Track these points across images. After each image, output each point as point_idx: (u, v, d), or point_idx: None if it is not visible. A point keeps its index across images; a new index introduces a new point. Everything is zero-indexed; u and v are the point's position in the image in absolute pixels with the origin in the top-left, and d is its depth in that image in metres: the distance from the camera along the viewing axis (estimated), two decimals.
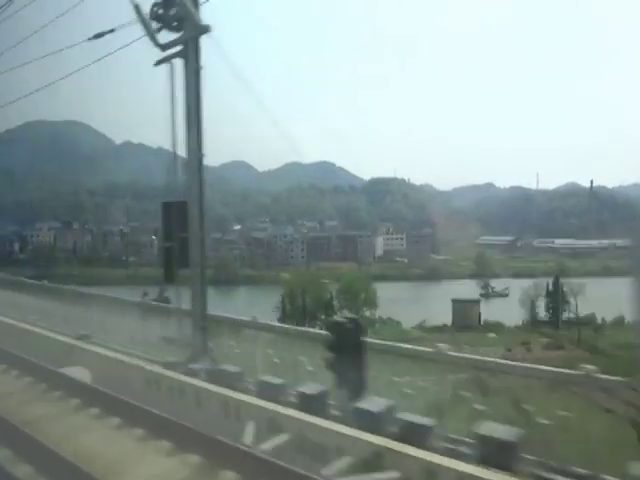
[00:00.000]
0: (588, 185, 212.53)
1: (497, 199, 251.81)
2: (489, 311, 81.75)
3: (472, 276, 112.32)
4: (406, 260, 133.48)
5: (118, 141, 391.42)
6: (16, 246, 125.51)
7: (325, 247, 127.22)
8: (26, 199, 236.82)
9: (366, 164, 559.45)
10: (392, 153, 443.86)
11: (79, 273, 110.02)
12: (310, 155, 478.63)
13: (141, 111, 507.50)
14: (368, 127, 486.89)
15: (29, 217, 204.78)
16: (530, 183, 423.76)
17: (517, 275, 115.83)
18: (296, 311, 70.80)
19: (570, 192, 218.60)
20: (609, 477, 5.27)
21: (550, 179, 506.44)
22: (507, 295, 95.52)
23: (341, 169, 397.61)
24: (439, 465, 5.23)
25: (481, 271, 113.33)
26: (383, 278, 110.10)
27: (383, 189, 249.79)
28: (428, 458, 5.36)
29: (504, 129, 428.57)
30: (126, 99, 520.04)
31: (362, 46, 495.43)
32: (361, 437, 6.03)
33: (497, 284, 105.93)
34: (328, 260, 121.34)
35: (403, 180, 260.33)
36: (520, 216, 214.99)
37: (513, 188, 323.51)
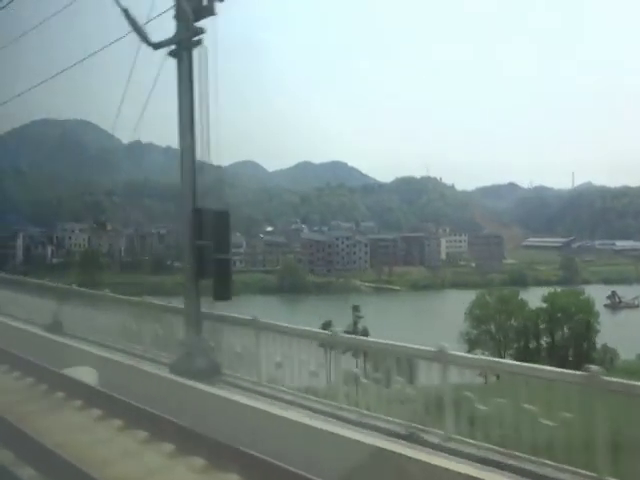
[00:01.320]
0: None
1: (538, 199, 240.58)
2: (624, 324, 69.45)
3: (561, 282, 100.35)
4: (473, 264, 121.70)
5: (126, 140, 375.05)
6: (49, 250, 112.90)
7: (391, 250, 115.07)
8: (41, 199, 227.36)
9: (375, 164, 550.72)
10: (404, 152, 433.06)
11: (122, 280, 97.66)
12: (322, 155, 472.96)
13: (150, 109, 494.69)
14: (379, 127, 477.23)
15: (47, 218, 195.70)
16: (554, 183, 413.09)
17: (607, 281, 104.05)
18: (487, 337, 56.37)
19: (621, 192, 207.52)
20: None
21: (566, 179, 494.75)
22: (638, 306, 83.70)
23: (353, 169, 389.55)
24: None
25: (570, 276, 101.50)
26: (464, 285, 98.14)
27: (417, 188, 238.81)
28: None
29: (524, 128, 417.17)
30: (133, 97, 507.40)
31: (374, 43, 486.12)
32: None
33: (596, 291, 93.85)
34: (393, 264, 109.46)
35: (436, 179, 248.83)
36: (570, 217, 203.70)
37: (537, 188, 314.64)
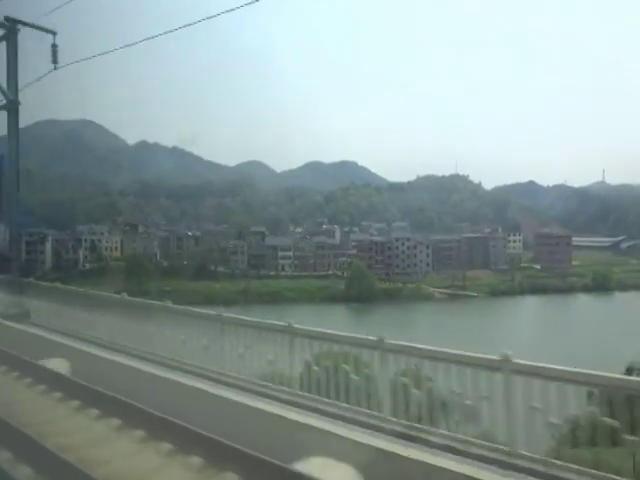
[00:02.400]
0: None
1: (572, 197, 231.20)
2: None
3: None
4: (538, 266, 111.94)
5: (130, 140, 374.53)
6: (80, 254, 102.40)
7: (454, 252, 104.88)
8: (54, 200, 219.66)
9: (386, 163, 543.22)
10: (421, 151, 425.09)
11: (169, 287, 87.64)
12: (331, 154, 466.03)
13: (155, 111, 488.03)
14: (390, 126, 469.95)
15: (63, 220, 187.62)
16: (574, 181, 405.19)
17: None
18: None
19: None
20: None
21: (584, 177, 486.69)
22: None
23: (363, 168, 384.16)
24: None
25: None
26: (542, 290, 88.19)
27: (446, 187, 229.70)
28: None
29: (544, 126, 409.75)
30: (137, 97, 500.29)
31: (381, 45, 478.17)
32: None
33: None
34: (457, 267, 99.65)
35: (465, 177, 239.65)
36: (611, 215, 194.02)
37: (557, 186, 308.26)
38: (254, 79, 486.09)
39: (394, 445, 5.67)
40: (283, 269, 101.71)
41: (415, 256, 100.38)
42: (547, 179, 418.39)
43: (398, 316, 75.72)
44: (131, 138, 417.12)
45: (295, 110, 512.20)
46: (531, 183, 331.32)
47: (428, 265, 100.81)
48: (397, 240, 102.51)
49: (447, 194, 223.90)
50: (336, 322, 75.69)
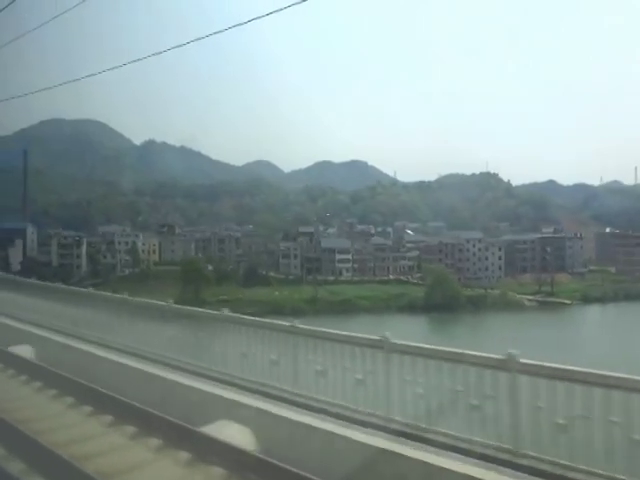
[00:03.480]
0: None
1: (609, 196, 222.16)
2: None
3: None
4: (613, 269, 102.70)
5: (136, 140, 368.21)
6: (118, 258, 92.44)
7: (529, 254, 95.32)
8: (69, 201, 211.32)
9: (395, 163, 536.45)
10: (434, 151, 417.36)
11: (225, 295, 78.18)
12: (341, 154, 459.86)
13: (163, 110, 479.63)
14: (401, 127, 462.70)
15: (81, 220, 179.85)
16: (593, 180, 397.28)
17: None
18: None
19: None
20: None
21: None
22: None
23: (373, 168, 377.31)
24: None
25: None
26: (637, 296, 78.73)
27: (479, 185, 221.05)
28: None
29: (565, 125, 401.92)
30: (141, 96, 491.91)
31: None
32: None
33: None
34: (532, 271, 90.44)
35: (495, 175, 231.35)
36: None
37: (577, 186, 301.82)
38: (260, 79, 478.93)
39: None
40: (340, 273, 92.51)
41: (486, 259, 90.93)
42: (567, 179, 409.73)
43: (494, 328, 66.36)
44: (136, 137, 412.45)
45: (303, 110, 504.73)
46: (551, 182, 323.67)
47: (500, 269, 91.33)
48: (468, 241, 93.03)
49: (478, 192, 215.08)
50: (425, 335, 66.42)
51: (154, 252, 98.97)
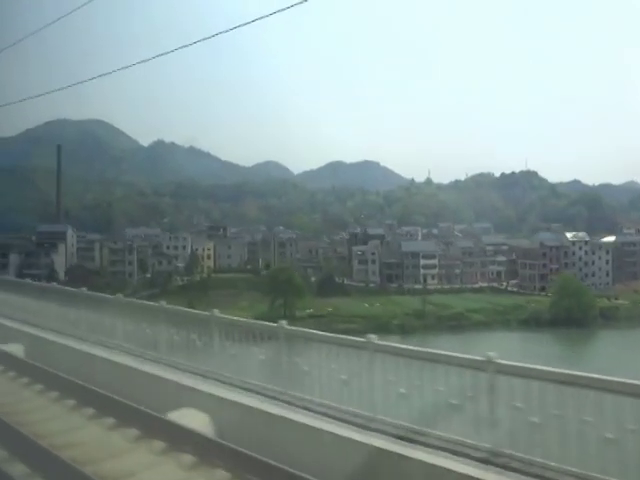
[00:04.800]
0: None
1: None
2: None
3: None
4: None
5: (142, 140, 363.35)
6: (174, 265, 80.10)
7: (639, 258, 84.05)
8: (89, 202, 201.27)
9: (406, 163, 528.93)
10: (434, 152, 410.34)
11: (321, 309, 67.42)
12: (353, 154, 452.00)
13: (171, 110, 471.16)
14: (411, 127, 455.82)
15: (103, 222, 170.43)
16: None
17: None
18: None
19: None
20: None
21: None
22: None
23: (385, 168, 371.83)
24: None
25: None
26: None
27: (522, 184, 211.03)
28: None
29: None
30: (148, 97, 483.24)
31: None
32: None
33: None
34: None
35: (535, 173, 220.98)
36: None
37: (602, 185, 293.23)
38: (268, 79, 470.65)
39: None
40: (425, 280, 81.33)
41: (593, 263, 79.68)
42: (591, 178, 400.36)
43: None
44: (141, 137, 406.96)
45: (312, 111, 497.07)
46: (576, 182, 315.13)
47: (608, 274, 79.91)
48: (574, 244, 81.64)
49: (519, 192, 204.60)
50: (556, 355, 55.27)
51: (209, 257, 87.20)
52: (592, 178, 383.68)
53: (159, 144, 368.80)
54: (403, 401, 5.97)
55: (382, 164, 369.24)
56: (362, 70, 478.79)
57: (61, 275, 71.61)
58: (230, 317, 8.35)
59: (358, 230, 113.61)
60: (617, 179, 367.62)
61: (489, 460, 5.04)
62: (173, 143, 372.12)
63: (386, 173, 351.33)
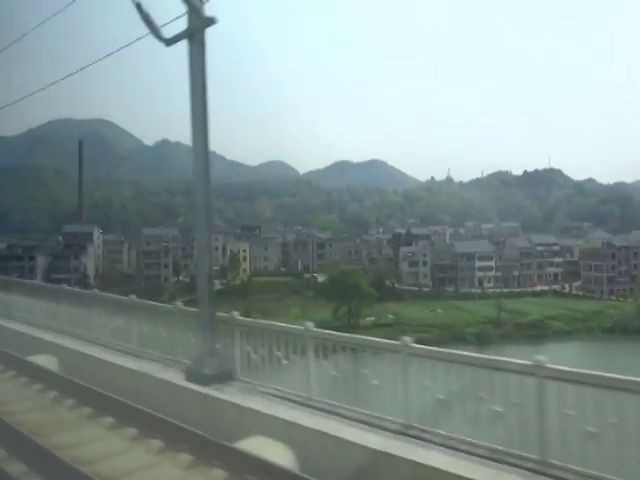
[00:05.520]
0: None
1: None
2: None
3: None
4: None
5: (146, 140, 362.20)
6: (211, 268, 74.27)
7: None
8: (100, 201, 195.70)
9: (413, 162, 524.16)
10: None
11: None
12: (359, 154, 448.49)
13: (176, 108, 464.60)
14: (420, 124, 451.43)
15: (115, 221, 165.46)
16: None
17: None
18: None
19: None
20: None
21: None
22: None
23: (392, 168, 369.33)
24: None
25: None
26: None
27: (546, 182, 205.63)
28: None
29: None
30: (151, 96, 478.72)
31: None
32: None
33: None
34: None
35: (560, 171, 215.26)
36: None
37: (616, 184, 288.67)
38: (274, 78, 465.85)
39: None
40: (481, 283, 75.20)
41: None
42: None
43: None
44: (146, 137, 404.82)
45: (315, 111, 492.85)
46: (590, 181, 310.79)
47: None
48: None
49: (543, 190, 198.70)
50: None
51: (244, 259, 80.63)
52: (606, 177, 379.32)
53: (164, 143, 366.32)
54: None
55: (389, 163, 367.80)
56: (364, 71, 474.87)
57: (91, 279, 65.28)
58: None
59: (398, 229, 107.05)
60: (629, 177, 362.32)
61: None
62: (178, 142, 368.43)
63: (393, 172, 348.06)
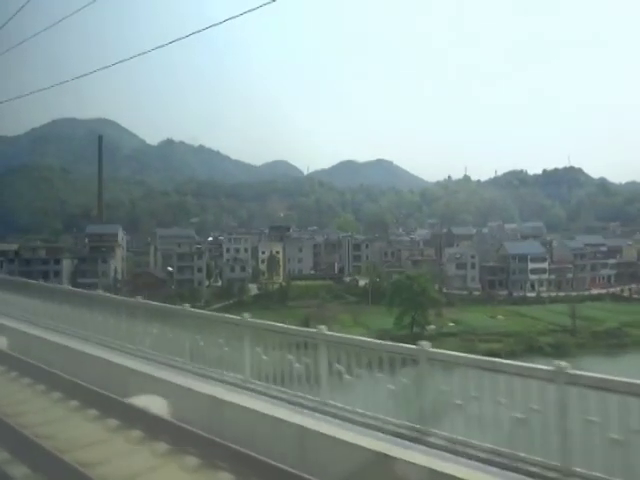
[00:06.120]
0: None
1: None
2: None
3: None
4: None
5: (150, 139, 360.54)
6: (237, 271, 67.41)
7: None
8: (112, 201, 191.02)
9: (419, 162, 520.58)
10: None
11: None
12: (366, 153, 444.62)
13: (180, 109, 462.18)
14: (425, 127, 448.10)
15: (127, 221, 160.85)
16: None
17: None
18: None
19: None
20: None
21: None
22: None
23: (398, 167, 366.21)
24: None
25: None
26: None
27: (568, 181, 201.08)
28: None
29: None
30: (152, 97, 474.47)
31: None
32: None
33: None
34: None
35: (580, 170, 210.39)
36: None
37: (629, 183, 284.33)
38: (278, 77, 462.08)
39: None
40: (533, 287, 70.14)
41: None
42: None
43: None
44: (150, 137, 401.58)
45: (318, 110, 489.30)
46: (602, 180, 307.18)
47: None
48: None
49: (564, 189, 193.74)
50: None
51: (278, 261, 75.48)
52: (618, 176, 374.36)
53: (168, 143, 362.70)
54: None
55: (395, 163, 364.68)
56: (364, 71, 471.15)
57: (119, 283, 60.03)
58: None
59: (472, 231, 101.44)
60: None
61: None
62: (182, 142, 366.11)
63: (398, 172, 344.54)
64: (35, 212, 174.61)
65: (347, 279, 74.14)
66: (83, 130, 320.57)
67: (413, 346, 5.74)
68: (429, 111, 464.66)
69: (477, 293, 69.66)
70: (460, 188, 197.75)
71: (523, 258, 72.10)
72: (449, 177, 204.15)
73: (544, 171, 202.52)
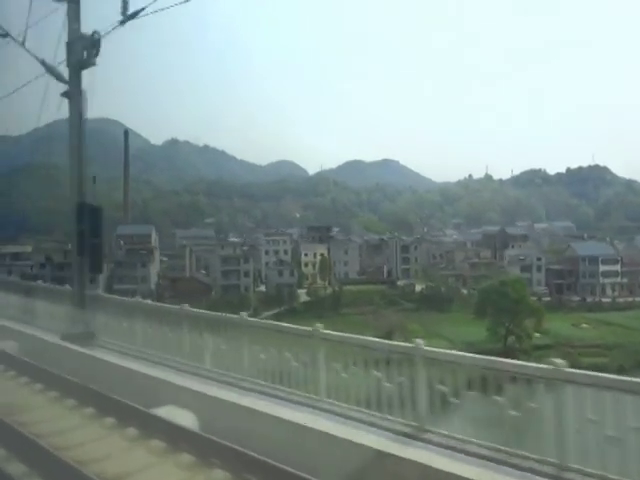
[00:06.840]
0: None
1: None
2: None
3: None
4: None
5: (153, 139, 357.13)
6: (286, 275, 61.56)
7: None
8: (120, 202, 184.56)
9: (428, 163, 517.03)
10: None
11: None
12: (373, 153, 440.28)
13: (184, 110, 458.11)
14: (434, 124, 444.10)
15: (144, 223, 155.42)
16: None
17: None
18: None
19: None
20: None
21: None
22: None
23: (404, 167, 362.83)
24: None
25: None
26: None
27: (593, 180, 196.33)
28: None
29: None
30: (154, 97, 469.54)
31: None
32: None
33: None
34: None
35: (606, 168, 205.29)
36: None
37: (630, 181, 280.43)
38: (281, 76, 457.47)
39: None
40: (603, 292, 64.37)
41: None
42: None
43: None
44: (153, 137, 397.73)
45: (319, 110, 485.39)
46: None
47: None
48: None
49: (590, 189, 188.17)
50: None
51: (324, 264, 69.38)
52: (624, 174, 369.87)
53: (173, 143, 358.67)
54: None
55: (401, 162, 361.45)
56: (366, 72, 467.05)
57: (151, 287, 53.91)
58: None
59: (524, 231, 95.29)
60: None
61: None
62: (187, 142, 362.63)
63: (405, 172, 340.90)
64: (43, 212, 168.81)
65: (401, 283, 68.31)
66: (86, 129, 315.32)
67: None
68: (429, 111, 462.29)
69: (547, 299, 63.70)
70: (482, 187, 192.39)
71: (594, 260, 66.20)
72: (470, 176, 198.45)
73: (568, 169, 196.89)
